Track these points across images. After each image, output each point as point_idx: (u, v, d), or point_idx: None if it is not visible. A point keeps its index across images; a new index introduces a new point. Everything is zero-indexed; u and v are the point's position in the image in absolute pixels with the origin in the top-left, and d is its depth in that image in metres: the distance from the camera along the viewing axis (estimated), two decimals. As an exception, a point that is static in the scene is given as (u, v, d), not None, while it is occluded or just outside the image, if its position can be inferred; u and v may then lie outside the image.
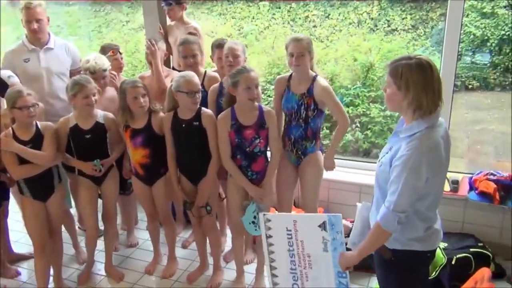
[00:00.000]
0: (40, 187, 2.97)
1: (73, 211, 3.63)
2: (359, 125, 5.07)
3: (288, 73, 3.06)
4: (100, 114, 3.09)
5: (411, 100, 1.87)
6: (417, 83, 1.85)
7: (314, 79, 2.93)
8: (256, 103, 2.83)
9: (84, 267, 3.44)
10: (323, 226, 2.27)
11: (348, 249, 2.27)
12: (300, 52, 2.85)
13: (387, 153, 2.00)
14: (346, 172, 3.80)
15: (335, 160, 3.08)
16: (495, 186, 3.21)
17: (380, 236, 1.97)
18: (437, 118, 1.93)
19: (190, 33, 3.72)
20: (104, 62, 3.33)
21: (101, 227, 3.37)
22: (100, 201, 3.28)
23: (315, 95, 2.90)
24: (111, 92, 3.41)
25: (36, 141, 2.88)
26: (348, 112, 5.05)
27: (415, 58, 1.88)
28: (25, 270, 3.50)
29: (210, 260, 3.37)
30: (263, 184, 2.92)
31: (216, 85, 3.19)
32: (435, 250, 2.11)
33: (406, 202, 1.88)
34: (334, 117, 3.04)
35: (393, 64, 1.91)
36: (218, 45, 3.33)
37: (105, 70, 3.31)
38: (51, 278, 3.19)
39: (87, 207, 3.20)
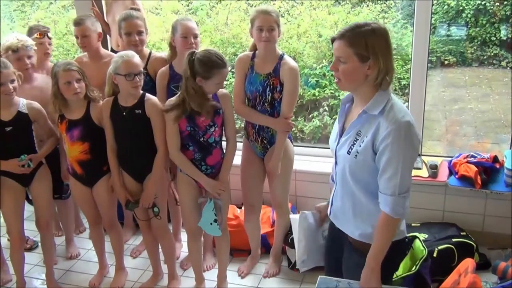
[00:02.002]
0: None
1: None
2: (327, 109, 5.11)
3: (248, 51, 3.05)
4: (22, 102, 3.00)
5: (381, 69, 1.88)
6: (384, 50, 1.88)
7: (281, 57, 2.94)
8: None
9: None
10: None
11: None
12: (271, 25, 2.85)
13: (356, 139, 1.97)
14: (315, 161, 3.83)
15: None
16: (476, 169, 3.30)
17: (392, 227, 1.97)
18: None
19: (131, 9, 3.65)
20: (27, 38, 3.25)
21: (34, 238, 3.27)
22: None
23: (281, 75, 2.91)
24: (41, 79, 3.32)
25: None
26: (314, 94, 5.10)
27: (372, 23, 1.90)
28: None
29: (165, 268, 3.34)
30: (219, 176, 2.90)
31: (165, 68, 3.15)
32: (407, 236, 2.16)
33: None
34: (282, 105, 2.94)
35: (349, 33, 1.89)
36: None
37: (29, 47, 3.20)
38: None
39: (12, 213, 3.08)
